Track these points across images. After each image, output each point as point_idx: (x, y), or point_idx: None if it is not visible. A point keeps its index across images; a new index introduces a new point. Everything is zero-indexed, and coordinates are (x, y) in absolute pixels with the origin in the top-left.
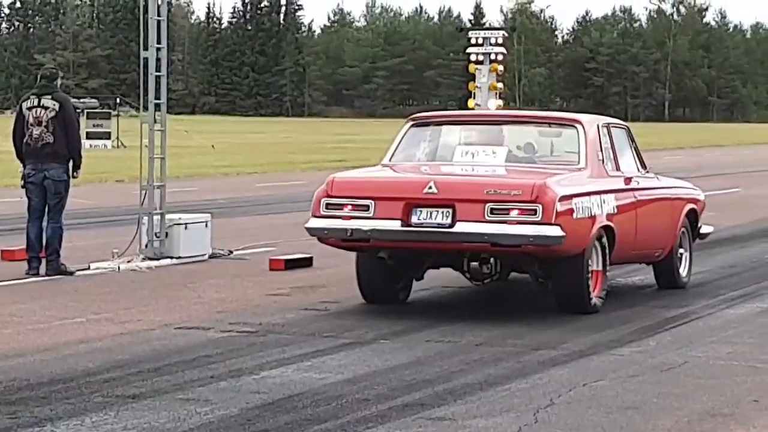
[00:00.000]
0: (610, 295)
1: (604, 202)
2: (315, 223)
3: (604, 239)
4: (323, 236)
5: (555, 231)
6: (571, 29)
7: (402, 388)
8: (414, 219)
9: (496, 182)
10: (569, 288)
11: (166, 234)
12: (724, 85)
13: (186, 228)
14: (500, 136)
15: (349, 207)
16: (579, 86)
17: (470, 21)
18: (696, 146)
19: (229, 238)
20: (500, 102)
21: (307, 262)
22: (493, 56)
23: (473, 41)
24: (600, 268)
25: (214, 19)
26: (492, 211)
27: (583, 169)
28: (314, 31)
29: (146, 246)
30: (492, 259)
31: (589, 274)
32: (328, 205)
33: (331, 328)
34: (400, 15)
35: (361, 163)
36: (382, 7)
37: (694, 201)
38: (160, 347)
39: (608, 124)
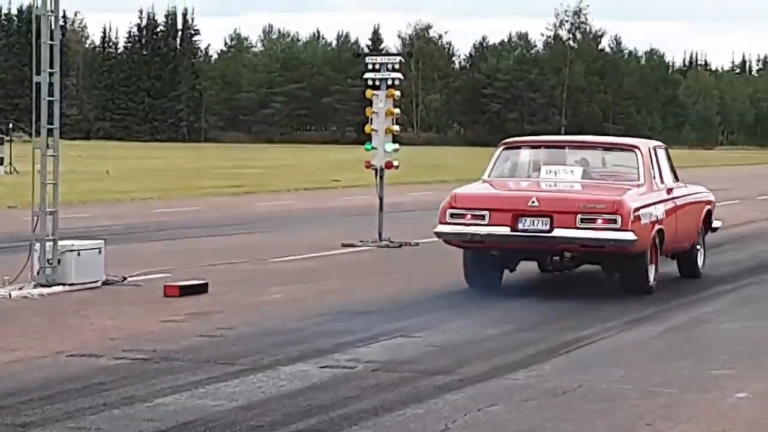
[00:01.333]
0: (504, 321)
1: (657, 210)
2: (441, 228)
3: (657, 239)
4: (448, 239)
5: (630, 236)
6: (468, 55)
7: (297, 414)
8: (520, 226)
9: (584, 198)
10: (635, 276)
11: (59, 260)
12: (619, 111)
13: (79, 254)
14: (574, 157)
15: (469, 216)
16: (476, 112)
17: (368, 46)
18: None
19: (123, 264)
20: (397, 128)
21: (202, 289)
22: (390, 82)
23: (370, 66)
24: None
25: (110, 43)
26: (582, 220)
27: (642, 185)
28: (211, 56)
29: (38, 273)
30: (569, 255)
31: (650, 265)
32: (452, 215)
33: (226, 355)
34: (298, 40)
35: (259, 188)
36: (279, 32)
37: (710, 203)
38: (52, 375)
39: (655, 147)
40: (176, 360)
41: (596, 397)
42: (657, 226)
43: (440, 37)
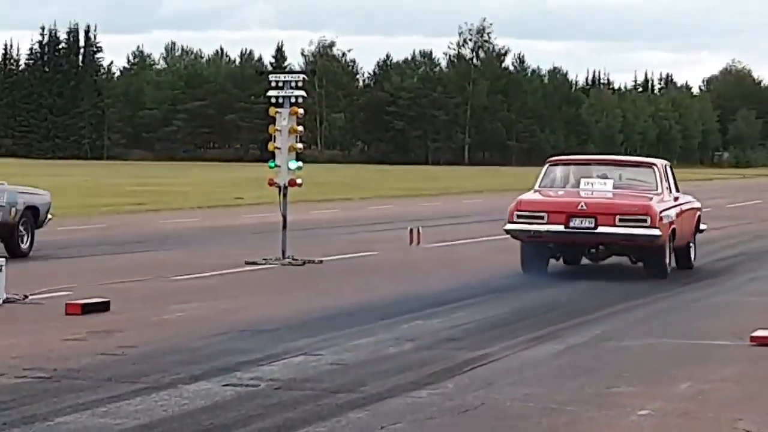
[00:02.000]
0: (407, 339)
1: (671, 213)
2: (510, 226)
3: (672, 235)
4: (515, 234)
5: (656, 232)
6: (372, 73)
7: None
8: (571, 224)
9: (622, 203)
10: (657, 264)
11: None
12: (522, 129)
13: None
14: (606, 171)
15: (531, 217)
16: (380, 130)
17: (271, 64)
18: (496, 190)
19: (24, 282)
20: (300, 145)
21: (104, 307)
22: (293, 99)
23: (273, 84)
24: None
25: (11, 60)
26: (620, 220)
27: (660, 194)
28: (114, 74)
29: None
30: (603, 247)
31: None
32: (518, 216)
33: (128, 373)
34: (201, 57)
35: (162, 206)
36: (182, 49)
37: (699, 209)
38: None
39: (665, 164)
40: (77, 378)
41: (499, 415)
42: (672, 226)
43: (344, 54)
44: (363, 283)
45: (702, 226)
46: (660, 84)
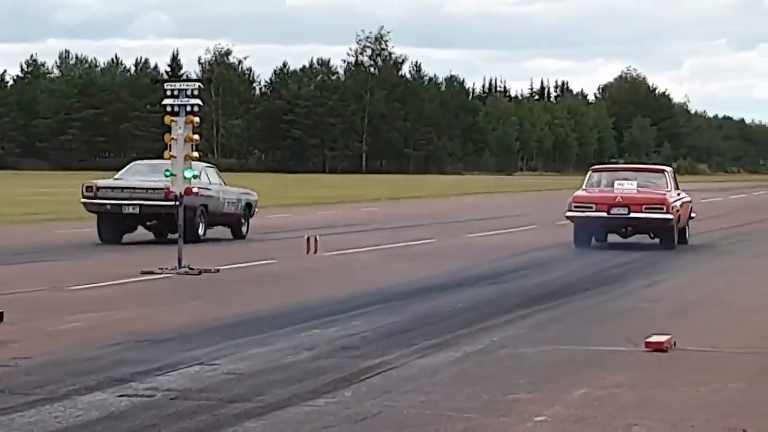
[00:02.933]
0: (304, 348)
1: (677, 204)
2: (569, 213)
3: (677, 220)
4: (573, 219)
5: (669, 216)
6: (269, 81)
7: None
8: (612, 211)
9: (646, 197)
10: (668, 240)
11: None
12: (419, 137)
13: None
14: (632, 175)
15: (583, 206)
16: (277, 138)
17: (167, 72)
18: (393, 198)
19: None
20: (196, 154)
21: None
22: (189, 108)
23: (169, 93)
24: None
25: None
26: (646, 208)
27: (670, 191)
28: (7, 83)
29: None
30: (631, 228)
31: (677, 235)
32: (575, 206)
33: (21, 384)
34: (96, 66)
35: (57, 216)
36: (77, 57)
37: (690, 202)
38: None
39: (671, 171)
40: None
41: (396, 423)
42: (678, 213)
43: (240, 62)
44: (260, 292)
45: (692, 214)
46: (556, 92)
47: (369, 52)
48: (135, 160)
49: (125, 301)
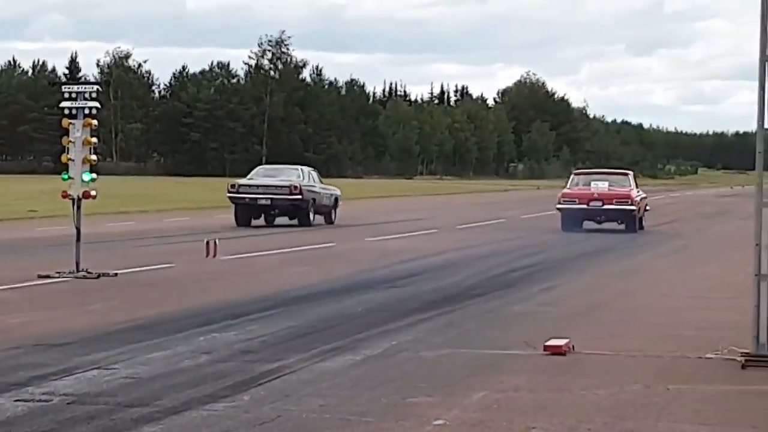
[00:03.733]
0: (202, 352)
1: (637, 198)
2: (559, 206)
3: (638, 211)
4: (561, 210)
5: (633, 207)
6: (168, 84)
7: None
8: (590, 204)
9: (615, 193)
10: (631, 225)
11: None
12: (320, 141)
13: None
14: (604, 177)
15: (569, 200)
16: (177, 141)
17: (65, 75)
18: None
19: None
20: (94, 157)
21: None
22: (87, 111)
23: (66, 95)
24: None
25: None
26: (616, 201)
27: (632, 189)
28: None
29: None
30: (604, 216)
31: (638, 222)
32: (563, 200)
33: None
34: None
35: None
36: None
37: (646, 197)
38: None
39: (632, 174)
40: None
41: (295, 427)
42: (638, 205)
43: (139, 65)
44: (159, 296)
45: (647, 207)
46: (456, 96)
47: (269, 55)
48: (32, 163)
49: (22, 305)
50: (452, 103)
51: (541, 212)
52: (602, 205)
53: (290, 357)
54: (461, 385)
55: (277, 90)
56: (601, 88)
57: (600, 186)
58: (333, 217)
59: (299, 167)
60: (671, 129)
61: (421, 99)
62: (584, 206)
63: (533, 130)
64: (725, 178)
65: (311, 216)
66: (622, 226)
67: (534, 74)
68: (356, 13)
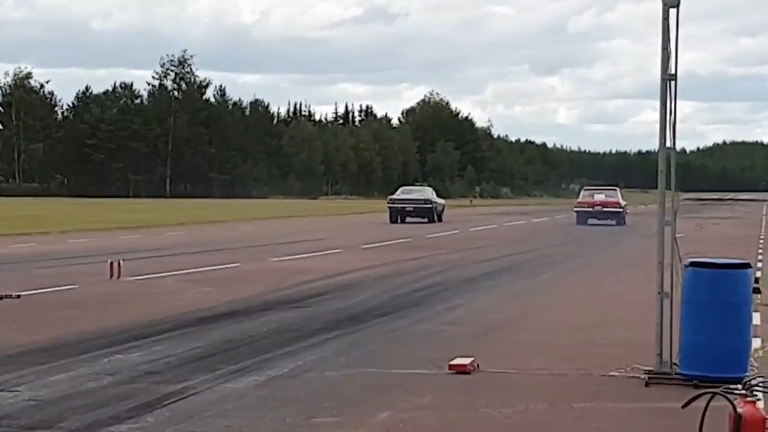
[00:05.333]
0: (106, 374)
1: (623, 203)
2: (575, 209)
3: (625, 211)
4: (577, 211)
5: (621, 210)
6: (71, 105)
7: None
8: (594, 208)
9: (610, 201)
10: (621, 221)
11: None
12: (224, 161)
13: None
14: (601, 191)
15: (580, 206)
16: (80, 162)
17: None
18: (197, 222)
19: None
20: None
21: None
22: None
23: None
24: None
25: None
26: (610, 206)
27: (620, 199)
28: None
29: None
30: (602, 215)
31: (623, 219)
32: (578, 204)
33: None
34: None
35: None
36: None
37: (627, 203)
38: None
39: (619, 189)
40: None
41: None
42: (623, 208)
43: (42, 86)
44: (62, 318)
45: (628, 210)
46: (360, 116)
47: (172, 75)
48: None
49: None
50: (357, 123)
51: (444, 232)
52: (602, 209)
53: (195, 378)
54: (366, 405)
55: (181, 110)
56: (506, 107)
57: (599, 197)
58: (442, 217)
59: (425, 187)
60: (574, 148)
61: (326, 119)
62: (590, 209)
63: (438, 150)
64: (628, 197)
65: (435, 217)
66: (612, 222)
67: (438, 94)
68: (262, 33)
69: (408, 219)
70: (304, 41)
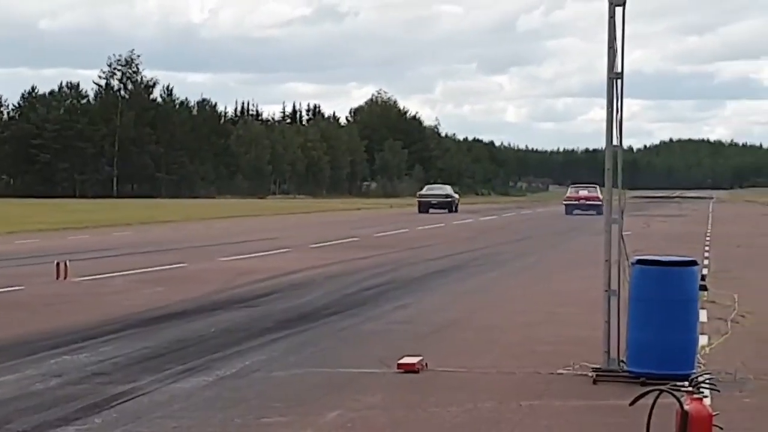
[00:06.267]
0: (53, 375)
1: (601, 197)
2: (564, 202)
3: (603, 204)
4: (566, 204)
5: (600, 203)
6: (17, 105)
7: None
8: (579, 201)
9: (592, 195)
10: (600, 212)
11: None
12: (171, 161)
13: None
14: (585, 187)
15: (568, 200)
16: (26, 163)
17: None
18: (145, 222)
19: None
20: None
21: None
22: None
23: None
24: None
25: None
26: (592, 200)
27: (599, 194)
28: None
29: None
30: (586, 207)
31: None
32: (566, 198)
33: None
34: None
35: None
36: None
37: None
38: None
39: (598, 185)
40: None
41: None
42: (603, 201)
43: None
44: (8, 319)
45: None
46: (308, 115)
47: (119, 75)
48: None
49: None
50: (305, 122)
51: (394, 231)
52: (585, 202)
53: (143, 378)
54: (316, 404)
55: (128, 110)
56: (454, 106)
57: (583, 192)
58: (457, 209)
59: (445, 186)
60: (522, 146)
61: (273, 118)
62: (576, 202)
63: (386, 149)
64: None
65: (454, 208)
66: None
67: (386, 92)
68: (210, 32)
69: (431, 210)
70: (252, 40)
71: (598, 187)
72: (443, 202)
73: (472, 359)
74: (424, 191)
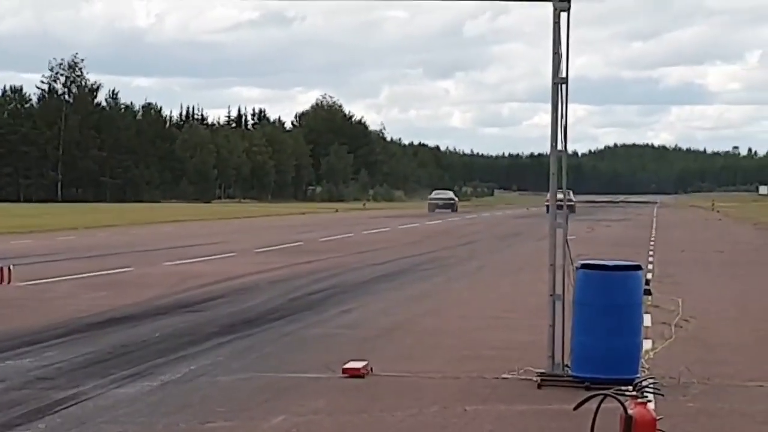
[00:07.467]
0: None
1: (575, 199)
2: (546, 203)
3: (575, 206)
4: (547, 207)
5: (573, 203)
6: None
7: None
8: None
9: (568, 198)
10: (572, 211)
11: None
12: (116, 165)
13: None
14: (443, 192)
15: (548, 201)
16: None
17: None
18: (90, 226)
19: None
20: None
21: None
22: None
23: None
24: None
25: None
26: (570, 201)
27: (573, 197)
28: None
29: None
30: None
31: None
32: (546, 203)
33: None
34: None
35: None
36: None
37: (574, 198)
38: None
39: (570, 191)
40: None
41: None
42: (575, 203)
43: None
44: None
45: (576, 205)
46: (254, 120)
47: (63, 79)
48: None
49: None
50: (250, 126)
51: (339, 235)
52: (570, 203)
53: (87, 383)
54: (260, 409)
55: (72, 114)
56: (400, 111)
57: (441, 195)
58: (457, 209)
59: (448, 191)
60: (468, 151)
61: (219, 123)
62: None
63: (331, 153)
64: (521, 200)
65: (455, 208)
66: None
67: (331, 97)
68: (156, 36)
69: (437, 210)
70: (198, 45)
71: (572, 191)
72: (447, 203)
73: (417, 364)
74: (432, 195)
